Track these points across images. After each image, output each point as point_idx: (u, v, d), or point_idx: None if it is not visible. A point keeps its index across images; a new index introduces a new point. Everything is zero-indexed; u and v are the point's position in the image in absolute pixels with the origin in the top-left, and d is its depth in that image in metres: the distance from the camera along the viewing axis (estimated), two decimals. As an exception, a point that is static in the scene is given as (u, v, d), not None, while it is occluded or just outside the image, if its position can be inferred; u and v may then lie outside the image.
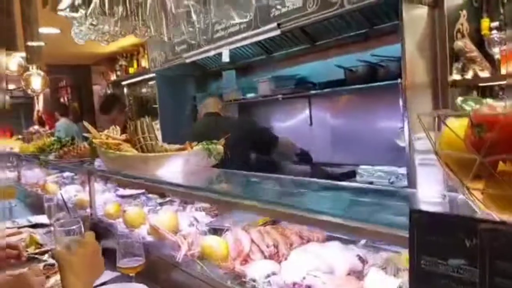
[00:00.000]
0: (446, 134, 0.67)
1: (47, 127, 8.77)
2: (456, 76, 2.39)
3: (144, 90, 7.43)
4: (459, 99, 0.79)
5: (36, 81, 3.09)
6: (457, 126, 0.68)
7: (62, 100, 10.03)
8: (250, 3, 1.15)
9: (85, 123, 1.92)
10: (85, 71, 8.88)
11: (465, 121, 0.70)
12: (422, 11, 2.39)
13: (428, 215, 0.62)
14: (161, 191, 1.75)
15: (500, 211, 0.64)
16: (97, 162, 2.13)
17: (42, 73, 3.19)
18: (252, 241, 1.23)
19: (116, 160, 1.73)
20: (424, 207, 0.82)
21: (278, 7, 2.85)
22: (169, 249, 1.49)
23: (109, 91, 8.12)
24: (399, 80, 2.65)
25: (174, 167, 1.64)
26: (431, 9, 2.41)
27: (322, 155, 3.74)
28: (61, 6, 1.97)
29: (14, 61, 3.77)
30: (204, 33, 1.35)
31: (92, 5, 1.73)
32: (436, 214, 0.62)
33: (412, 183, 2.25)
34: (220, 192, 1.18)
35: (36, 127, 9.21)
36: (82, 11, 1.82)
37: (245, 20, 1.18)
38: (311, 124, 3.88)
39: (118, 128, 2.00)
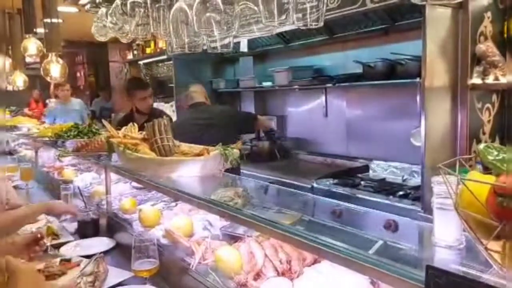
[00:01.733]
0: (467, 194, 0.68)
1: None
2: (476, 80, 2.34)
3: (161, 69, 7.43)
4: (481, 146, 0.78)
5: (55, 69, 3.12)
6: (478, 181, 0.68)
7: (78, 75, 10.12)
8: (271, 21, 1.14)
9: (104, 122, 1.95)
10: (102, 48, 8.90)
11: (486, 177, 0.70)
12: (445, 11, 2.33)
13: (445, 274, 0.63)
14: (175, 197, 1.78)
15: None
16: (114, 157, 2.16)
17: (61, 61, 3.23)
18: (266, 255, 1.26)
19: (134, 161, 1.76)
20: (440, 255, 0.84)
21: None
22: (183, 254, 1.53)
23: (126, 69, 8.15)
24: (417, 79, 2.63)
25: (190, 172, 1.67)
26: (455, 10, 2.35)
27: (336, 147, 3.74)
28: (82, 1, 1.97)
29: (33, 44, 3.81)
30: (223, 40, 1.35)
31: (113, 5, 1.73)
32: (453, 274, 0.63)
33: (425, 184, 2.27)
34: (237, 211, 1.20)
35: (53, 100, 9.37)
36: (103, 9, 1.82)
37: (265, 34, 1.17)
38: (326, 115, 3.86)
39: (135, 125, 2.03)
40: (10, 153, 4.71)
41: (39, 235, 1.62)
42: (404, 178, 3.06)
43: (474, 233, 0.68)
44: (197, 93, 3.42)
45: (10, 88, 7.34)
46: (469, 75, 2.34)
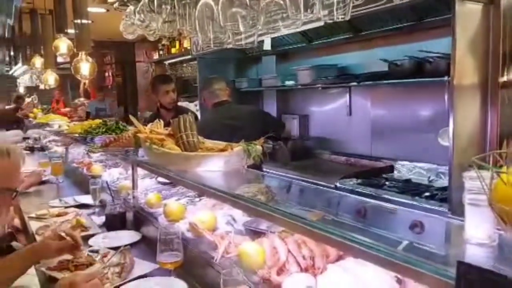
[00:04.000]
0: (501, 188, 0.66)
1: (92, 99, 9.14)
2: (507, 78, 2.28)
3: (185, 69, 7.53)
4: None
5: (85, 67, 3.21)
6: None
7: (107, 74, 10.35)
8: (298, 16, 1.14)
9: (131, 117, 1.99)
10: (129, 48, 9.08)
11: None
12: (476, 7, 2.27)
13: (476, 270, 0.61)
14: (200, 191, 1.80)
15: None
16: (141, 152, 2.21)
17: (90, 59, 3.32)
18: (289, 251, 1.26)
19: (160, 156, 1.80)
20: (471, 252, 0.82)
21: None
22: (207, 247, 1.55)
23: (151, 69, 8.29)
24: (446, 78, 2.57)
25: (214, 167, 1.69)
26: (486, 5, 2.28)
27: (360, 146, 3.70)
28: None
29: (63, 44, 3.92)
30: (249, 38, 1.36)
31: (141, 2, 1.77)
32: (485, 271, 0.61)
33: (453, 185, 2.22)
34: (263, 206, 1.21)
35: (82, 99, 9.63)
36: (131, 7, 1.86)
37: (291, 31, 1.18)
38: (350, 114, 3.82)
39: (161, 121, 2.06)
40: (42, 149, 4.86)
41: (74, 242, 1.64)
42: (431, 179, 3.00)
43: (510, 228, 0.66)
44: (222, 90, 3.28)
45: (42, 86, 7.60)
46: (500, 73, 2.28)
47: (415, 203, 2.47)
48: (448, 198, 2.26)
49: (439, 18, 2.75)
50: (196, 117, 3.32)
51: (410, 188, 2.75)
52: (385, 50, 3.31)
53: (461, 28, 2.18)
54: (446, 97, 2.74)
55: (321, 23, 3.00)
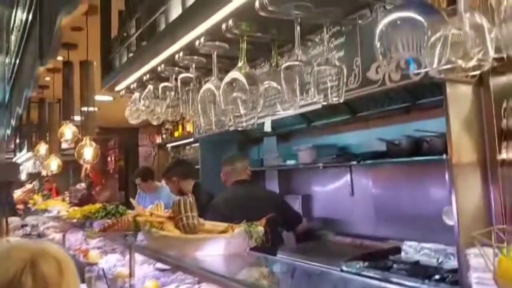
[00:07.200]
0: (504, 267, 0.64)
1: (93, 186, 9.14)
2: (505, 155, 2.30)
3: (187, 152, 7.65)
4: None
5: (88, 152, 3.28)
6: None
7: (109, 159, 10.50)
8: (295, 99, 1.19)
9: (131, 200, 1.98)
10: (133, 133, 9.33)
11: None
12: (466, 88, 2.36)
13: None
14: (199, 277, 1.73)
15: None
16: (140, 236, 2.16)
17: (94, 144, 3.40)
18: None
19: (158, 239, 1.76)
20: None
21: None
22: None
23: (154, 153, 8.43)
24: (444, 156, 2.60)
25: (215, 250, 1.64)
26: (476, 86, 2.38)
27: (364, 227, 3.62)
28: (118, 88, 2.11)
29: (69, 130, 4.04)
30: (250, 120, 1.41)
31: (146, 90, 1.85)
32: None
33: (462, 266, 2.12)
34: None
35: (83, 184, 9.63)
36: (137, 94, 1.94)
37: (289, 113, 1.22)
38: (352, 194, 3.79)
39: (162, 203, 2.05)
40: (39, 236, 4.75)
41: None
42: (440, 260, 2.89)
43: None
44: (244, 169, 3.22)
45: (43, 172, 7.67)
46: (497, 151, 2.31)
47: (425, 286, 2.36)
48: (459, 281, 2.16)
49: (432, 99, 2.86)
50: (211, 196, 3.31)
51: (419, 271, 2.64)
52: (383, 129, 3.39)
53: (454, 108, 2.25)
54: (446, 175, 2.75)
55: (318, 106, 3.13)
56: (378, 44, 1.15)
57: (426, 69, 1.14)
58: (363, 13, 2.24)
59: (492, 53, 1.03)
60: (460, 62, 1.10)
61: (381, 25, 1.16)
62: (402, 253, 3.14)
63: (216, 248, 1.64)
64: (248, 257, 1.67)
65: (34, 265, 0.98)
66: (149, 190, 4.56)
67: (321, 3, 1.46)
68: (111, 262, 2.79)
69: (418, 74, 2.11)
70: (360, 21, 2.08)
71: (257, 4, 1.41)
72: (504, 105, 2.33)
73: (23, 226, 5.53)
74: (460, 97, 2.31)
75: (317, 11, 1.42)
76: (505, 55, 0.98)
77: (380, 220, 3.51)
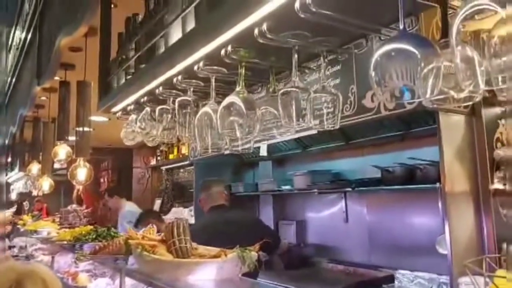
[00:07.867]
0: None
1: (84, 206, 9.03)
2: (498, 185, 2.32)
3: (181, 174, 7.63)
4: None
5: (82, 173, 3.27)
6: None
7: (102, 180, 10.41)
8: (291, 124, 1.21)
9: (125, 224, 1.96)
10: (127, 154, 9.29)
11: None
12: (459, 118, 2.40)
13: None
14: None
15: None
16: (131, 260, 2.13)
17: (87, 164, 3.39)
18: None
19: (150, 263, 1.73)
20: None
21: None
22: None
23: (148, 175, 8.39)
24: (437, 185, 2.61)
25: (207, 274, 1.61)
26: (469, 116, 2.42)
27: (358, 255, 3.59)
28: (114, 109, 2.12)
29: (63, 150, 4.03)
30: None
31: (143, 112, 1.87)
32: None
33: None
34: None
35: (74, 205, 9.50)
36: (133, 116, 1.95)
37: (285, 138, 1.24)
38: (347, 221, 3.78)
39: (155, 227, 2.03)
40: (27, 257, 4.66)
41: None
42: (433, 289, 2.86)
43: None
44: (220, 193, 3.22)
45: (34, 192, 7.58)
46: (490, 180, 2.33)
47: (420, 317, 2.33)
48: (453, 312, 2.14)
49: (426, 128, 2.89)
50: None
51: (413, 301, 2.61)
52: (377, 157, 3.41)
53: (446, 137, 2.28)
54: (440, 203, 2.75)
55: (314, 131, 3.15)
56: (373, 73, 1.18)
57: (420, 99, 1.17)
58: (359, 43, 2.31)
59: (482, 86, 1.06)
60: (452, 93, 1.13)
61: (376, 55, 1.19)
62: (396, 282, 3.11)
63: (208, 272, 1.62)
64: (240, 283, 1.65)
65: (20, 285, 0.96)
66: None
67: (318, 33, 1.50)
68: (101, 286, 2.74)
69: (412, 103, 2.14)
70: (356, 50, 2.13)
71: (256, 31, 1.45)
72: (496, 135, 2.38)
73: (10, 247, 5.42)
74: (453, 127, 2.35)
75: (314, 40, 1.46)
76: (495, 88, 1.01)
77: (373, 248, 3.49)
